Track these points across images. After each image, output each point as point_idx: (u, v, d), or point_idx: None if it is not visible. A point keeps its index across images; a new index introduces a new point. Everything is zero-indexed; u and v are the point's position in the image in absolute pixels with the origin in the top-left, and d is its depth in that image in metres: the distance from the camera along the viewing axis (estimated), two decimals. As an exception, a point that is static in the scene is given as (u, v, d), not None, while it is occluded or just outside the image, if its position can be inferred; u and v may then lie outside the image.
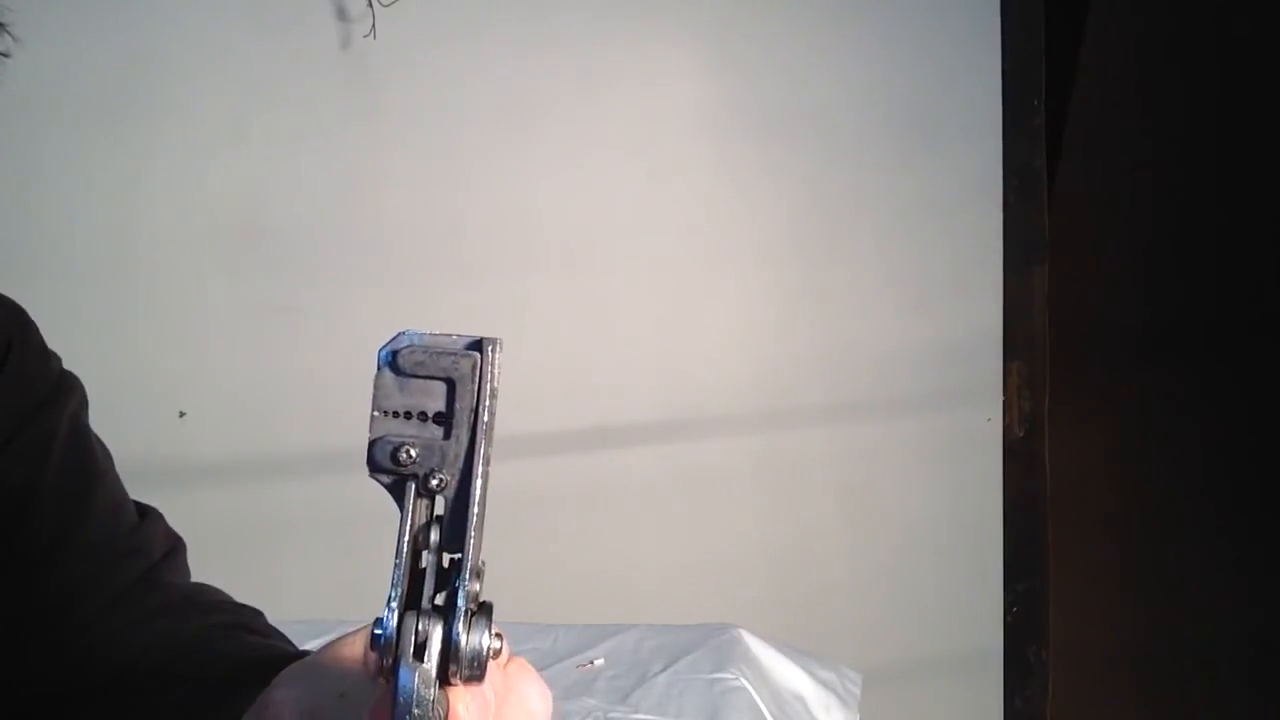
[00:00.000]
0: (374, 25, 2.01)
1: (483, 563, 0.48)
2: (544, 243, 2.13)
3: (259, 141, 2.08)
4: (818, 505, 2.19)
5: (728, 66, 2.11)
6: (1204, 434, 3.44)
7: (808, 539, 2.20)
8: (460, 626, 0.46)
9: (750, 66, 2.11)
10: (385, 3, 2.00)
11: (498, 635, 0.48)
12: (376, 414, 0.49)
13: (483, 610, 0.48)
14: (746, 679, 1.50)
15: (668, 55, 2.10)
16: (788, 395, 2.17)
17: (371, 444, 0.48)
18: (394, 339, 0.49)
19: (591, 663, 1.56)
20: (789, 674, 1.60)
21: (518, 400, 2.43)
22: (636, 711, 1.44)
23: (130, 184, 2.07)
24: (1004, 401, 2.18)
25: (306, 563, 2.15)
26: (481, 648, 0.47)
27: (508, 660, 0.52)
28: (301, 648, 0.76)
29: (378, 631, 0.47)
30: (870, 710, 1.72)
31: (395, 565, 0.47)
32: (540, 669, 1.57)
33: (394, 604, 0.47)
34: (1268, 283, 3.67)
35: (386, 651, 0.46)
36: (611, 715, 1.43)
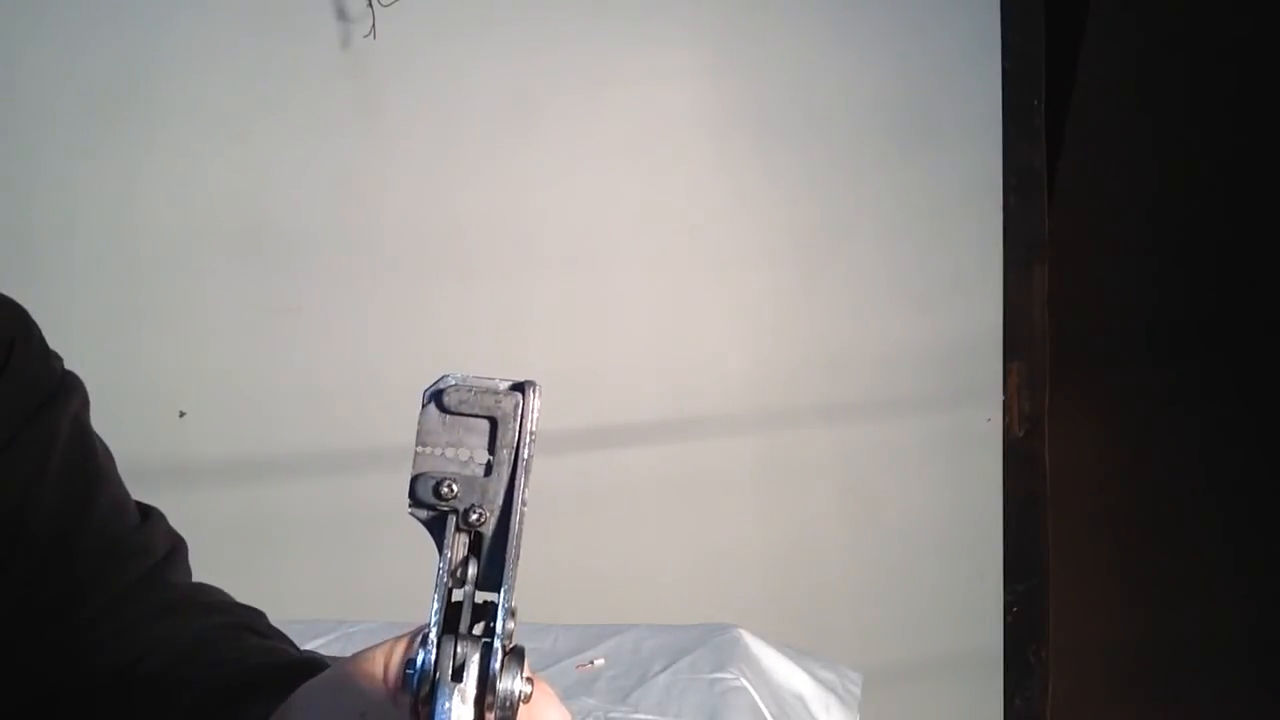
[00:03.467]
0: (374, 25, 2.01)
1: (515, 605, 0.49)
2: (544, 243, 2.13)
3: (259, 141, 2.08)
4: (818, 505, 2.19)
5: (728, 66, 2.11)
6: (1204, 433, 3.44)
7: (808, 539, 2.20)
8: (497, 662, 0.47)
9: (750, 66, 2.11)
10: (385, 3, 2.00)
11: (528, 680, 0.48)
12: (420, 450, 0.50)
13: (515, 654, 0.48)
14: (746, 679, 1.50)
15: (668, 55, 2.10)
16: (787, 395, 2.17)
17: (414, 479, 0.49)
18: (438, 380, 0.50)
19: (591, 663, 1.56)
20: (789, 674, 1.60)
21: (518, 400, 2.41)
22: (636, 711, 1.44)
23: (130, 184, 2.07)
24: (1004, 401, 2.18)
25: (306, 563, 2.15)
26: (514, 691, 0.47)
27: None
28: (302, 648, 0.76)
29: (410, 671, 0.47)
30: (870, 710, 1.72)
31: (434, 599, 0.48)
32: (540, 669, 1.57)
33: (431, 638, 0.47)
34: (1267, 282, 3.67)
35: (424, 681, 0.46)
36: (611, 715, 1.43)
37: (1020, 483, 2.20)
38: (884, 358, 2.16)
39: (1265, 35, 3.46)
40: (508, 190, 2.11)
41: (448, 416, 0.50)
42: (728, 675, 1.50)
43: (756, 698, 1.48)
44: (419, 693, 0.46)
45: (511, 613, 0.48)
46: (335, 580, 2.14)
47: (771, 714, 1.47)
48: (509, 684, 0.47)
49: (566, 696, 1.46)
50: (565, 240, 2.13)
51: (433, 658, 0.46)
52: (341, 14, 2.03)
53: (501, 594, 0.48)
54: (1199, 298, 3.74)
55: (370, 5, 2.00)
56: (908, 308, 2.15)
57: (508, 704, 0.47)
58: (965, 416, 2.18)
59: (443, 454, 0.49)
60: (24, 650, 0.73)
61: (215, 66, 2.06)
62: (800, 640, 1.75)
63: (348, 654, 0.57)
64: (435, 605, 0.47)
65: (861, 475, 2.19)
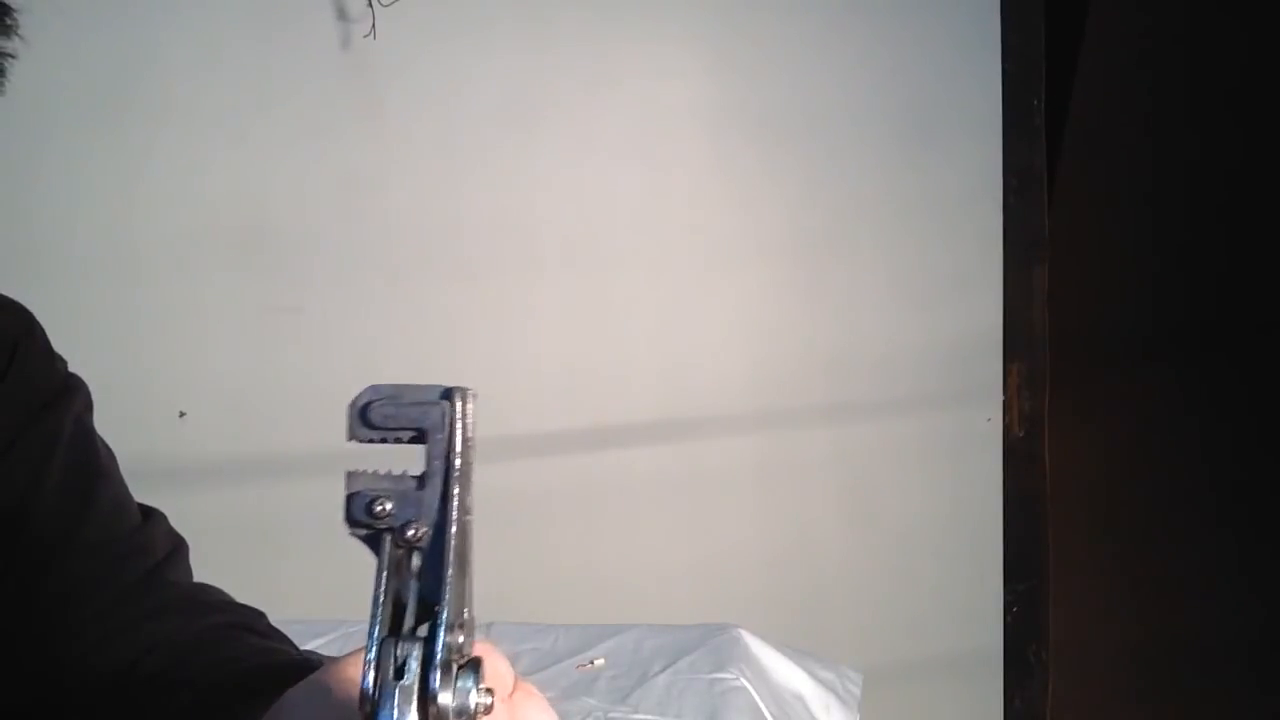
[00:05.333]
0: (374, 25, 2.01)
1: (468, 615, 0.47)
2: (544, 243, 2.13)
3: (259, 141, 2.08)
4: (818, 505, 2.19)
5: (728, 66, 2.11)
6: (1203, 433, 3.45)
7: (808, 539, 2.20)
8: (436, 679, 0.44)
9: (750, 66, 2.11)
10: (385, 3, 2.00)
11: (488, 690, 0.46)
12: (351, 470, 0.48)
13: (470, 665, 0.46)
14: (746, 679, 1.50)
15: (668, 55, 2.10)
16: (787, 395, 2.17)
17: (348, 499, 0.47)
18: (362, 393, 0.48)
19: (591, 663, 1.56)
20: (789, 674, 1.60)
21: (517, 400, 2.42)
22: (636, 711, 1.44)
23: (130, 184, 2.07)
24: (1004, 401, 2.18)
25: (306, 563, 2.15)
26: (469, 704, 0.45)
27: (514, 689, 0.52)
28: (302, 648, 0.76)
29: (364, 686, 0.45)
30: (870, 710, 1.72)
31: (372, 618, 0.46)
32: (540, 669, 1.57)
33: (369, 658, 0.45)
34: (1266, 283, 3.67)
35: (365, 702, 0.45)
36: (611, 715, 1.43)
37: (1020, 483, 2.20)
38: (884, 358, 2.16)
39: (1266, 35, 3.46)
40: (508, 190, 2.11)
41: (375, 432, 0.48)
42: (727, 675, 1.50)
43: (756, 698, 1.48)
44: (366, 710, 0.45)
45: (461, 625, 0.46)
46: (335, 580, 2.13)
47: (771, 714, 1.47)
48: (457, 699, 0.45)
49: (566, 696, 1.46)
50: (565, 240, 2.13)
51: (370, 682, 0.44)
52: (341, 14, 2.03)
53: (443, 609, 0.45)
54: (1199, 298, 3.74)
55: (370, 5, 2.00)
56: (908, 308, 2.15)
57: (463, 718, 0.45)
58: (965, 416, 2.18)
59: (374, 471, 0.47)
60: (24, 650, 0.73)
61: (215, 66, 2.06)
62: (800, 640, 1.75)
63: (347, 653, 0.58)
64: (373, 625, 0.45)
65: (861, 475, 2.19)
